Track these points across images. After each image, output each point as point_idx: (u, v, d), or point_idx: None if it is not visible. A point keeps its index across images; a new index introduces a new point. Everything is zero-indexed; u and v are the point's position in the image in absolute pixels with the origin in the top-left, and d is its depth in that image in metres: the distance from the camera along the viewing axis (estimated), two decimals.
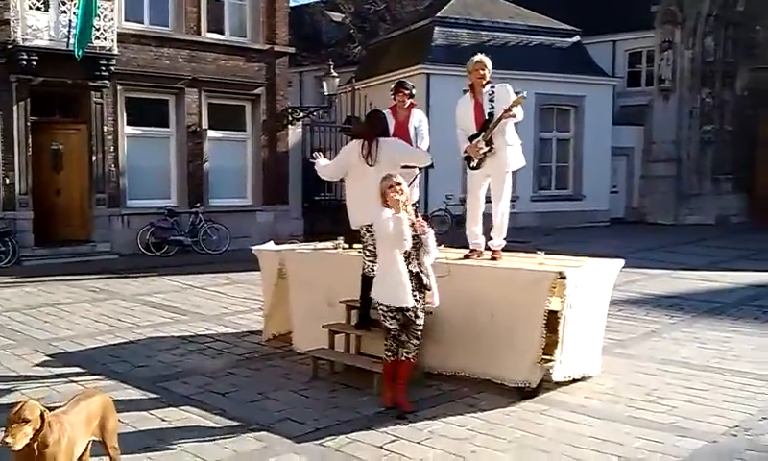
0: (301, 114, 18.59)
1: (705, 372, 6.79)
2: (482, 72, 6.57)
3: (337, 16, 32.09)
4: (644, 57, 26.38)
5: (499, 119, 6.41)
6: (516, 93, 6.51)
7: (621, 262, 6.73)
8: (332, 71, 18.65)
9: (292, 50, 18.49)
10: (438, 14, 21.78)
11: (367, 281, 6.43)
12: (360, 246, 7.40)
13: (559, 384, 6.12)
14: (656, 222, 23.45)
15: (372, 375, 6.11)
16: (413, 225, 5.45)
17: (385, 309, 5.58)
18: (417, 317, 5.51)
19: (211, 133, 17.10)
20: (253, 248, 8.02)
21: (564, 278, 5.77)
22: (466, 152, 6.70)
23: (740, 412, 5.63)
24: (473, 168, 6.70)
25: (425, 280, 5.51)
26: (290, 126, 18.14)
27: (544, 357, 5.95)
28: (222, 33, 17.38)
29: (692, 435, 5.12)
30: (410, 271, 5.46)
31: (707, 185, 23.96)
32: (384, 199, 5.55)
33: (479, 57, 6.68)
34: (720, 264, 14.61)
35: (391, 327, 5.59)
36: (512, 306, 6.00)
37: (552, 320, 5.91)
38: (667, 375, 6.71)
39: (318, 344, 7.03)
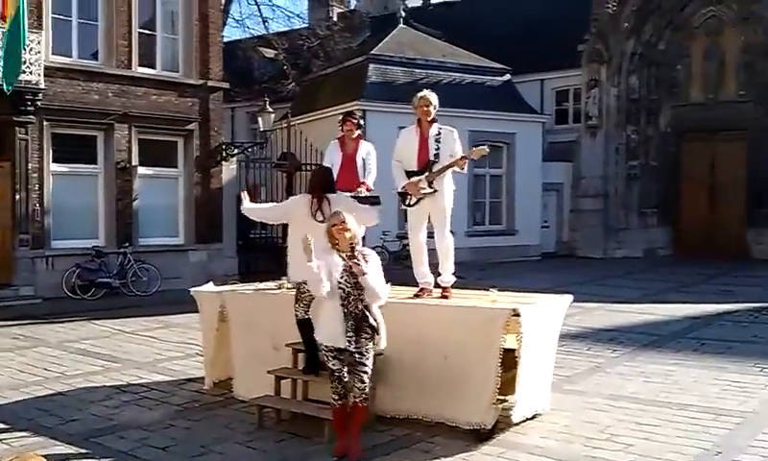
0: (236, 150, 18.25)
1: (654, 407, 6.79)
2: (426, 108, 6.50)
3: (269, 53, 31.93)
4: (571, 95, 27.11)
5: (452, 165, 6.35)
6: (476, 146, 6.50)
7: (570, 298, 6.71)
8: (268, 107, 18.41)
9: (226, 85, 18.20)
10: (372, 52, 21.89)
11: (304, 325, 6.22)
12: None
13: (511, 424, 6.01)
14: (585, 256, 23.91)
15: (321, 422, 5.85)
16: (350, 267, 5.26)
17: (325, 349, 5.42)
18: (361, 359, 5.30)
19: (141, 170, 16.57)
20: (192, 290, 7.68)
21: (518, 315, 5.68)
22: (404, 188, 6.58)
23: (695, 447, 5.62)
24: (409, 205, 6.58)
25: (372, 322, 5.31)
26: (224, 162, 17.76)
27: (499, 397, 5.83)
28: (153, 67, 16.95)
29: None
30: (350, 311, 5.28)
31: (633, 219, 24.61)
32: (331, 238, 5.37)
33: (425, 92, 6.62)
34: (652, 296, 14.91)
35: (333, 368, 5.39)
36: (466, 346, 5.87)
37: (506, 358, 5.81)
38: (617, 410, 6.68)
39: (262, 390, 6.73)
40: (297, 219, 6.30)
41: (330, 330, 5.35)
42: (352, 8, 36.01)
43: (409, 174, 6.53)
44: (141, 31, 16.69)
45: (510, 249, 22.74)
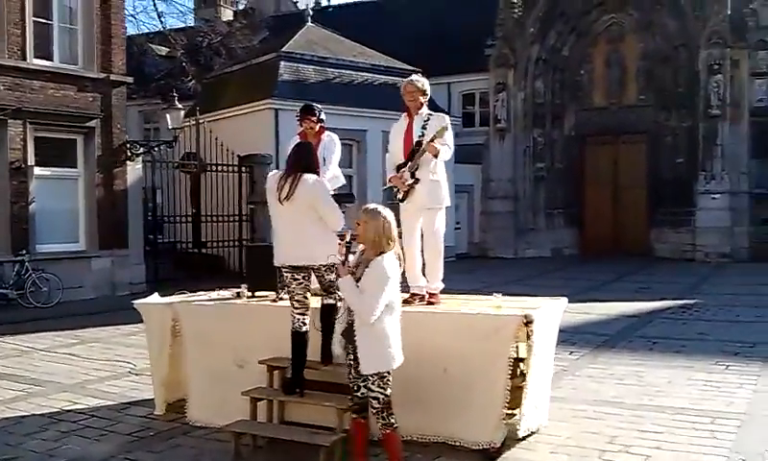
0: (141, 149, 16.95)
1: (646, 412, 6.49)
2: (413, 94, 5.94)
3: (162, 50, 30.35)
4: (477, 98, 27.28)
5: (423, 151, 5.79)
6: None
7: (565, 301, 6.30)
8: (177, 103, 17.24)
9: (130, 79, 16.90)
10: (283, 49, 21.02)
11: (299, 338, 5.50)
12: (264, 294, 6.50)
13: (515, 440, 5.52)
14: (497, 256, 24.03)
15: (310, 448, 5.15)
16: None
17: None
18: (365, 382, 4.66)
19: (38, 171, 15.04)
20: (135, 302, 6.74)
21: (530, 322, 5.19)
22: (390, 181, 6.01)
23: (715, 455, 5.33)
24: (399, 201, 6.01)
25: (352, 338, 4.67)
26: (129, 162, 16.46)
27: (507, 412, 5.33)
28: (50, 59, 15.45)
29: None
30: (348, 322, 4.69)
31: (541, 220, 24.98)
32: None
33: (412, 77, 6.10)
34: (578, 295, 14.86)
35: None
36: (468, 357, 5.33)
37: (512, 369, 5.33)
38: (612, 418, 6.33)
39: (223, 414, 5.96)
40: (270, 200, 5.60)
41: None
42: (245, 6, 34.96)
43: (399, 167, 5.95)
44: (36, 19, 15.18)
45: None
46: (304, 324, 5.51)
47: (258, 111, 19.95)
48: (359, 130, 21.37)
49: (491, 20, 25.86)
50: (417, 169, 5.85)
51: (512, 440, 5.50)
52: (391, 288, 4.63)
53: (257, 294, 6.65)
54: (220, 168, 18.80)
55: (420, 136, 5.85)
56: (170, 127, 17.15)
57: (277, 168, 19.73)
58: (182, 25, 30.16)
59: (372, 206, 4.79)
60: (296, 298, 5.53)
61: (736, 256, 21.45)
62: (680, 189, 22.94)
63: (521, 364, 5.48)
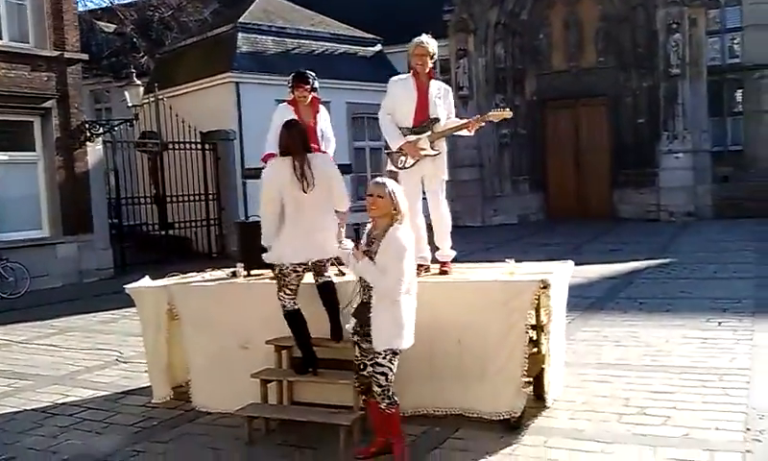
0: (101, 129, 16.34)
1: (652, 373, 6.49)
2: (425, 57, 5.71)
3: (110, 26, 29.32)
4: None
5: (462, 126, 5.64)
6: (497, 106, 5.82)
7: (572, 264, 6.22)
8: (135, 79, 16.65)
9: (85, 57, 16.23)
10: (240, 20, 20.45)
11: (292, 318, 5.30)
12: (260, 272, 6.26)
13: (532, 408, 5.44)
14: (465, 224, 23.97)
15: (325, 427, 4.99)
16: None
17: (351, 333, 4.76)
18: (374, 358, 4.53)
19: None
20: (127, 287, 6.44)
21: (546, 286, 5.09)
22: (401, 148, 5.79)
23: (732, 412, 5.32)
24: (403, 168, 5.80)
25: (367, 316, 4.55)
26: (88, 143, 15.86)
27: (526, 380, 5.23)
28: None
29: (722, 447, 4.67)
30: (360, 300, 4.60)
31: (507, 187, 24.99)
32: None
33: (422, 37, 5.80)
34: (556, 259, 14.97)
35: (354, 356, 4.75)
36: (484, 326, 5.21)
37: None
38: (620, 380, 6.31)
39: (229, 398, 5.76)
40: (285, 193, 5.28)
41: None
42: None
43: (404, 132, 5.74)
44: None
45: None
46: (295, 303, 5.31)
47: (218, 85, 19.44)
48: (322, 101, 20.92)
49: None
50: (437, 141, 5.68)
51: (529, 408, 5.41)
52: (409, 260, 4.49)
53: (253, 273, 6.42)
54: (182, 146, 18.30)
55: (437, 107, 5.68)
56: (129, 104, 16.58)
57: (241, 143, 19.40)
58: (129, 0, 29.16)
59: (379, 179, 4.63)
60: (289, 286, 5.31)
61: (700, 215, 21.78)
62: (642, 150, 23.13)
63: (536, 331, 5.38)
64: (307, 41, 21.72)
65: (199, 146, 18.68)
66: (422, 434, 5.19)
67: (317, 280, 5.42)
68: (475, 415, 5.27)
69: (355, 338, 4.61)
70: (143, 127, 18.11)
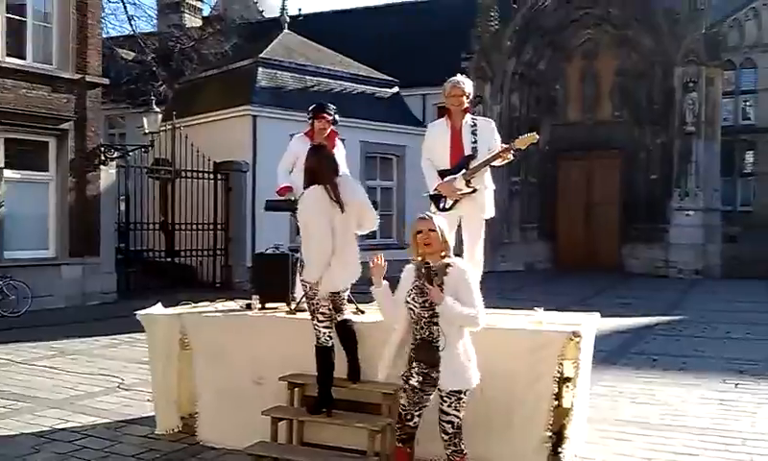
0: (116, 154, 16.35)
1: (672, 433, 6.30)
2: (459, 97, 5.65)
3: (129, 54, 29.61)
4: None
5: (494, 158, 5.53)
6: (523, 133, 5.71)
7: (598, 316, 6.07)
8: (154, 106, 16.70)
9: (106, 81, 16.29)
10: (261, 55, 20.60)
11: (325, 354, 5.15)
12: (275, 306, 6.13)
13: None
14: None
15: None
16: (422, 290, 4.26)
17: (402, 377, 4.44)
18: (441, 404, 4.29)
19: (8, 173, 14.38)
20: (139, 313, 6.29)
21: (578, 337, 4.94)
22: (437, 190, 5.71)
23: None
24: (443, 209, 5.71)
25: (435, 355, 4.26)
26: (102, 166, 15.85)
27: (550, 435, 5.05)
28: (24, 57, 14.80)
29: None
30: (416, 339, 4.30)
31: (515, 234, 24.90)
32: (416, 248, 4.37)
33: (458, 77, 5.75)
34: (564, 310, 14.79)
35: (401, 402, 4.45)
36: (509, 376, 5.04)
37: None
38: (639, 438, 6.13)
39: (237, 433, 5.61)
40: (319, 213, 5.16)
41: (401, 361, 4.39)
42: (215, 12, 34.37)
43: (441, 174, 5.65)
44: (9, 16, 14.57)
45: (400, 263, 22.11)
46: (331, 338, 5.16)
47: (236, 118, 19.51)
48: (338, 140, 21.00)
49: (461, 32, 25.88)
50: (472, 179, 5.57)
51: None
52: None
53: (268, 306, 6.29)
54: (195, 175, 18.29)
55: (473, 142, 5.59)
56: (147, 130, 16.59)
57: (254, 175, 19.39)
58: (152, 29, 29.51)
59: (426, 214, 4.49)
60: (321, 310, 5.17)
61: (708, 273, 21.63)
62: (653, 206, 23.08)
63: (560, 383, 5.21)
64: (326, 80, 21.84)
65: (211, 176, 18.66)
66: None
67: (335, 318, 5.28)
68: None
69: (413, 382, 4.30)
70: (157, 154, 18.13)
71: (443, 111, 5.90)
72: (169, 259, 17.93)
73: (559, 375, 4.99)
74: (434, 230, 4.29)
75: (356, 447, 5.09)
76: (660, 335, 11.75)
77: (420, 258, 4.36)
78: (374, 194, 22.67)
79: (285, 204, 6.40)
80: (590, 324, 5.64)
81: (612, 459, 5.58)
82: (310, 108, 6.58)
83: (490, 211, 5.77)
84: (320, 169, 5.16)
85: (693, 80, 21.93)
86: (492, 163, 5.70)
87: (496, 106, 24.80)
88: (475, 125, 5.72)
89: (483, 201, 5.68)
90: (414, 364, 4.31)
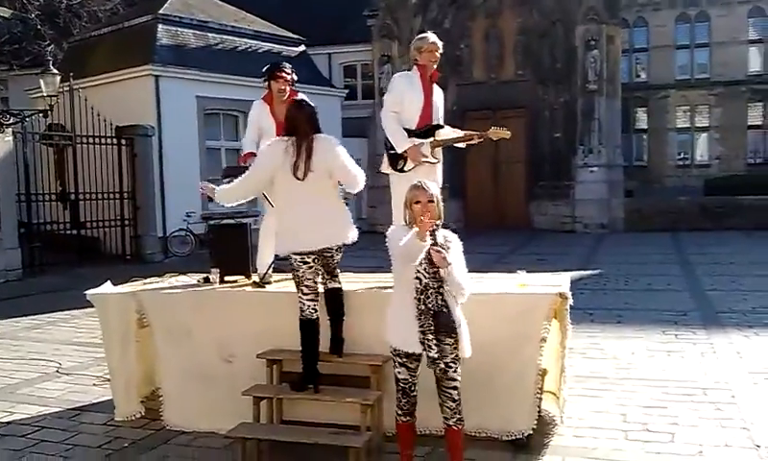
0: (12, 119, 15.11)
1: (634, 387, 6.46)
2: (436, 54, 5.43)
3: (5, 11, 27.44)
4: (359, 70, 26.85)
5: (461, 139, 5.40)
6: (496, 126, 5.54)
7: (568, 277, 6.09)
8: (52, 67, 15.50)
9: None
10: (161, 11, 19.50)
11: (310, 327, 4.90)
12: (234, 279, 5.83)
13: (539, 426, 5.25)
14: (377, 231, 23.84)
15: (321, 449, 4.61)
16: (429, 255, 4.10)
17: (394, 352, 4.28)
18: (447, 371, 4.19)
19: None
20: (89, 292, 5.80)
21: (565, 298, 4.92)
22: (405, 152, 5.45)
23: (733, 427, 5.32)
24: (402, 171, 5.49)
25: (453, 321, 4.19)
26: None
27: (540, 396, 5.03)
28: None
29: None
30: (428, 308, 4.14)
31: None
32: (414, 216, 4.15)
33: (433, 36, 5.50)
34: (484, 268, 14.99)
35: (399, 376, 4.29)
36: (494, 342, 4.96)
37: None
38: (607, 394, 6.27)
39: (209, 415, 5.36)
40: (276, 177, 4.91)
41: (400, 330, 4.20)
42: None
43: (408, 134, 5.42)
44: None
45: None
46: (315, 310, 4.91)
47: (137, 78, 18.46)
48: (244, 99, 20.18)
49: None
50: (437, 148, 5.40)
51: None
52: None
53: (227, 279, 5.94)
54: (96, 140, 17.22)
55: (440, 111, 5.41)
56: (45, 93, 15.40)
57: (160, 139, 18.49)
58: None
59: (421, 182, 4.30)
60: (305, 283, 4.91)
61: (612, 227, 22.51)
62: (558, 163, 23.71)
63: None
64: (230, 37, 21.00)
65: (114, 141, 17.63)
66: (427, 455, 4.90)
67: (325, 284, 5.03)
68: (484, 434, 5.03)
69: (432, 354, 4.13)
70: (56, 118, 16.92)
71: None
72: (74, 232, 16.88)
73: (546, 336, 4.96)
74: (432, 202, 4.17)
75: (342, 422, 4.91)
76: (586, 290, 12.05)
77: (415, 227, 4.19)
78: None
79: (243, 169, 6.01)
80: (567, 285, 5.64)
81: (588, 416, 5.65)
82: (263, 69, 6.18)
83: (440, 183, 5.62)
84: (298, 124, 4.87)
85: (594, 38, 22.49)
86: (457, 144, 5.57)
87: (404, 65, 24.65)
88: (440, 95, 5.56)
89: (438, 173, 5.52)
90: (429, 335, 4.14)
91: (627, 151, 29.59)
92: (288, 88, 6.04)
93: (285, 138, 4.88)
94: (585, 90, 22.83)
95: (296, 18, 24.63)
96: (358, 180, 4.99)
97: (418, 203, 4.14)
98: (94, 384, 6.77)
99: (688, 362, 7.25)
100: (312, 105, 5.11)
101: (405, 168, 5.48)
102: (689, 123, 30.98)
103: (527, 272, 5.69)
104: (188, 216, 18.14)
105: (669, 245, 18.73)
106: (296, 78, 6.21)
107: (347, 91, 25.20)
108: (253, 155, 5.75)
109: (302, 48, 23.39)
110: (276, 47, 22.52)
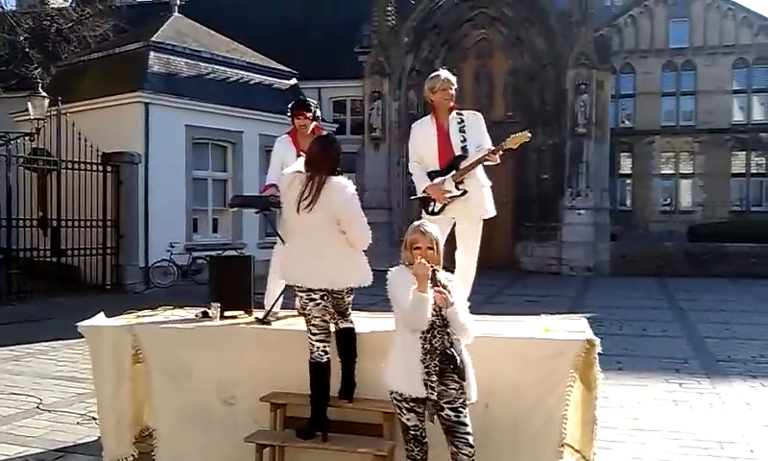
0: None
1: (647, 438, 6.27)
2: (449, 92, 5.27)
3: None
4: (348, 106, 26.81)
5: (481, 160, 5.17)
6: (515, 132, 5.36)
7: (585, 320, 5.87)
8: (40, 90, 15.20)
9: None
10: (153, 39, 19.33)
11: (319, 370, 4.62)
12: (234, 314, 5.55)
13: None
14: (373, 268, 23.53)
15: None
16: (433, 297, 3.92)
17: (398, 400, 4.03)
18: (459, 417, 3.96)
19: None
20: (80, 324, 5.47)
21: (593, 345, 4.70)
22: (425, 192, 5.31)
23: None
24: (433, 213, 5.32)
25: (459, 363, 3.96)
26: None
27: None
28: None
29: None
30: (433, 348, 3.91)
31: None
32: (414, 257, 3.98)
33: (446, 73, 5.35)
34: (477, 309, 14.79)
35: (409, 424, 4.03)
36: (516, 389, 4.72)
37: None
38: (619, 445, 6.04)
39: (204, 460, 4.97)
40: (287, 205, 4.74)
41: (405, 375, 3.95)
42: None
43: (432, 175, 5.24)
44: None
45: None
46: (326, 352, 4.64)
47: (126, 104, 18.21)
48: (235, 131, 20.21)
49: (359, 25, 25.62)
50: (462, 181, 5.18)
51: None
52: None
53: (227, 314, 5.65)
54: (80, 166, 16.88)
55: (462, 141, 5.21)
56: (32, 117, 15.07)
57: (147, 167, 18.16)
58: (25, 9, 27.15)
59: (422, 225, 4.19)
60: (313, 322, 4.65)
61: (599, 270, 22.46)
62: (545, 205, 23.70)
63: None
64: (222, 67, 20.86)
65: (99, 167, 17.29)
66: None
67: (336, 325, 4.77)
68: None
69: (434, 397, 3.91)
70: (43, 143, 16.59)
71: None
72: (54, 259, 16.44)
73: (572, 384, 4.72)
74: (432, 249, 4.05)
75: None
76: None
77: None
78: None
79: (252, 199, 5.82)
80: (589, 330, 5.41)
81: None
82: (289, 105, 6.06)
83: (488, 211, 5.40)
84: (310, 159, 4.66)
85: (585, 82, 22.65)
86: (483, 163, 5.37)
87: (395, 102, 24.69)
88: (463, 121, 5.37)
89: (477, 202, 5.31)
90: (434, 376, 3.91)
91: (611, 195, 29.67)
92: (311, 124, 5.93)
93: (303, 175, 4.64)
94: (574, 133, 22.92)
95: (287, 51, 24.55)
96: (361, 239, 4.79)
97: (417, 248, 4.02)
98: (78, 423, 6.40)
99: (698, 413, 7.05)
100: (336, 143, 4.89)
101: (435, 210, 5.30)
102: (674, 169, 31.28)
103: (548, 315, 5.44)
104: (171, 246, 17.81)
105: (657, 290, 18.67)
106: (319, 114, 6.08)
107: (336, 126, 25.08)
108: (275, 186, 5.55)
109: (294, 81, 23.28)
110: (268, 79, 22.42)
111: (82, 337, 5.50)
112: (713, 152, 30.20)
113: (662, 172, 31.33)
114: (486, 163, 5.26)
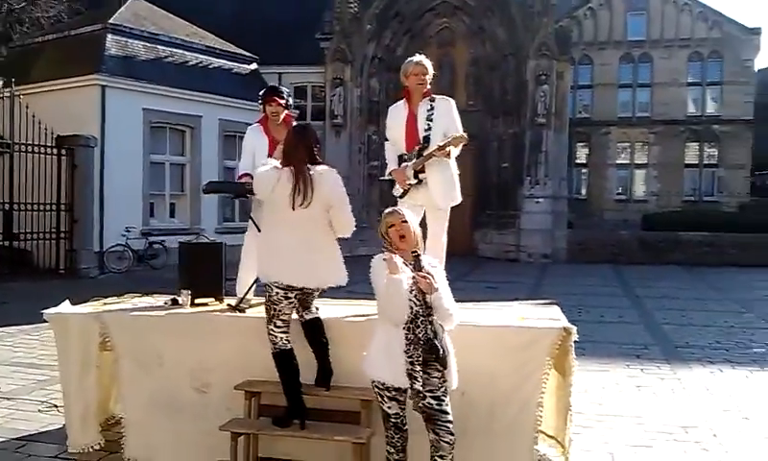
0: None
1: (614, 422, 6.35)
2: (423, 77, 5.24)
3: None
4: (309, 91, 26.59)
5: (430, 156, 5.14)
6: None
7: (557, 308, 5.94)
8: None
9: None
10: (111, 21, 18.86)
11: (286, 357, 4.57)
12: (205, 301, 5.47)
13: None
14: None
15: None
16: (416, 283, 3.90)
17: (380, 388, 4.02)
18: (441, 406, 3.97)
19: None
20: (46, 312, 5.32)
21: (570, 333, 4.74)
22: (390, 174, 5.30)
23: None
24: (398, 196, 5.31)
25: (441, 352, 3.97)
26: None
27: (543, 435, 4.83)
28: None
29: None
30: (417, 338, 3.90)
31: (374, 218, 24.74)
32: (390, 242, 3.97)
33: (420, 57, 5.33)
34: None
35: (390, 412, 4.03)
36: (493, 377, 4.74)
37: None
38: (588, 430, 6.08)
39: (176, 451, 4.96)
40: (274, 201, 4.58)
41: (388, 364, 3.94)
42: None
43: (402, 158, 5.24)
44: None
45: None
46: (289, 341, 4.58)
47: (82, 87, 17.78)
48: (194, 115, 19.88)
49: (315, 13, 25.47)
50: (421, 170, 5.16)
51: None
52: None
53: (198, 301, 5.56)
54: (34, 148, 16.45)
55: (426, 130, 5.19)
56: None
57: (102, 151, 17.75)
58: None
59: (395, 209, 4.25)
60: (281, 317, 4.57)
61: (555, 257, 22.78)
62: (504, 193, 23.93)
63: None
64: (181, 51, 20.48)
65: (54, 150, 16.87)
66: None
67: (302, 317, 4.72)
68: None
69: (417, 386, 3.90)
70: None
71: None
72: (6, 243, 16.02)
73: (548, 372, 4.76)
74: (406, 222, 4.07)
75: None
76: None
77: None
78: (233, 175, 21.63)
79: (228, 185, 5.69)
80: (562, 316, 5.47)
81: (580, 456, 5.45)
82: (260, 92, 5.91)
83: (451, 200, 5.37)
84: (290, 150, 4.56)
85: (545, 73, 22.88)
86: (433, 157, 5.33)
87: (356, 89, 24.61)
88: (432, 109, 5.32)
89: (437, 191, 5.26)
90: (417, 366, 3.91)
91: (567, 184, 30.20)
92: (283, 112, 5.78)
93: (287, 170, 4.51)
94: (534, 123, 23.15)
95: (248, 36, 24.21)
96: (349, 225, 4.73)
97: (392, 226, 4.03)
98: (39, 410, 6.25)
99: (661, 398, 7.19)
100: (311, 129, 4.81)
101: (398, 193, 5.30)
102: (629, 159, 31.83)
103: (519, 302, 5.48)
104: (127, 231, 17.51)
105: (612, 277, 19.02)
106: (291, 102, 5.95)
107: (297, 112, 24.81)
108: (249, 175, 5.42)
109: (254, 66, 23.00)
110: (228, 64, 22.11)
111: (38, 323, 5.36)
112: (668, 143, 30.81)
113: (618, 162, 31.84)
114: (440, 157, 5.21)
